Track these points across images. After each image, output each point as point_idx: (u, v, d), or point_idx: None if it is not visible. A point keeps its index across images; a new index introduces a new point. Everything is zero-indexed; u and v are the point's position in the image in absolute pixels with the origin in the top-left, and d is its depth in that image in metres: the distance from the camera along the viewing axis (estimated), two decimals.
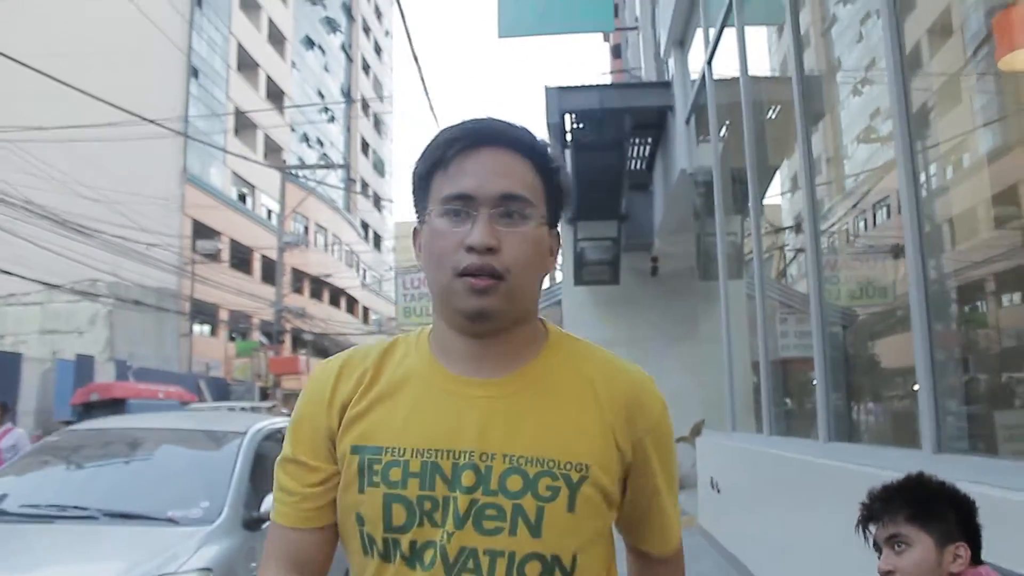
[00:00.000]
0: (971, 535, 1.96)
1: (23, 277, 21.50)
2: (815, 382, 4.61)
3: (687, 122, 9.20)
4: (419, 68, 28.05)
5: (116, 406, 16.69)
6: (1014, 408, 4.41)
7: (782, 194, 10.59)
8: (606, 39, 28.27)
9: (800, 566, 4.79)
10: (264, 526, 4.83)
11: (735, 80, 7.53)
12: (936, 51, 5.16)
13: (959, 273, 5.04)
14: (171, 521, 4.48)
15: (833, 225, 8.10)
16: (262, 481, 5.18)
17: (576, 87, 10.15)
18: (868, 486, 3.54)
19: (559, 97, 9.71)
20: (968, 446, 3.41)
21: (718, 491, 7.48)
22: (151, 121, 19.36)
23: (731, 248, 8.50)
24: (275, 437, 5.89)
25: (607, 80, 16.93)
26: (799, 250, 9.62)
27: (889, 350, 5.91)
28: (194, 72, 33.84)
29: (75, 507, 4.50)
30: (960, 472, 2.98)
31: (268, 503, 4.77)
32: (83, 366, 21.88)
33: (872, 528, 2.09)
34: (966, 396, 4.14)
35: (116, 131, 21.81)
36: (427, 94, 30.74)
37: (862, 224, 8.10)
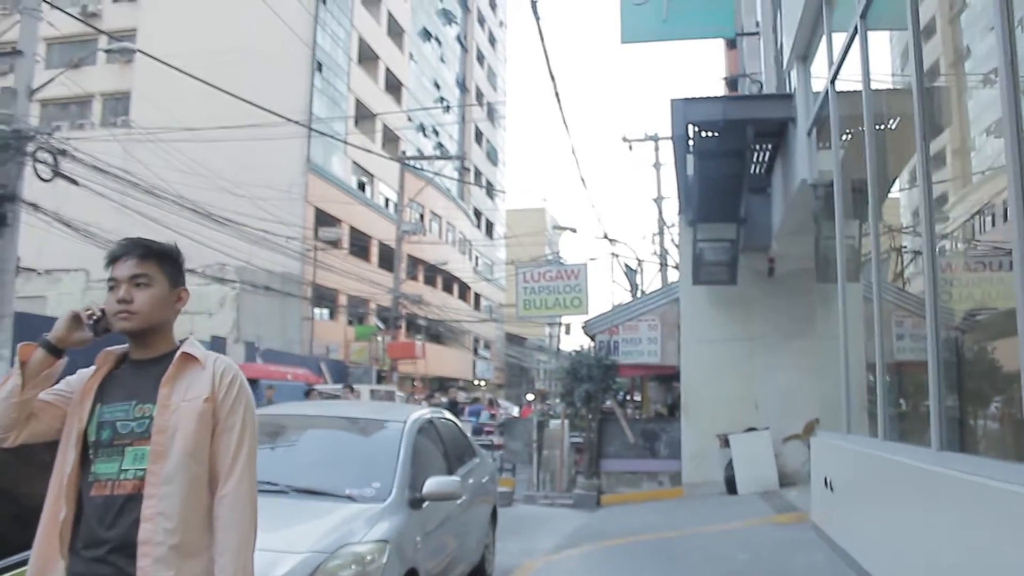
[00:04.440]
0: None
1: None
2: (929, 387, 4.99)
3: (808, 134, 9.51)
4: (546, 54, 28.43)
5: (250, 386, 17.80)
6: None
7: (900, 190, 10.73)
8: None
9: (911, 564, 5.20)
10: (424, 505, 5.53)
11: (857, 93, 7.84)
12: None
13: None
14: (349, 498, 5.20)
15: (950, 228, 8.21)
16: (421, 465, 5.88)
17: (700, 99, 10.55)
18: (979, 497, 3.95)
19: (684, 108, 10.13)
20: None
21: (832, 490, 7.86)
22: (293, 121, 20.43)
23: (849, 252, 8.76)
24: (427, 426, 6.60)
25: (723, 82, 17.19)
26: (917, 252, 9.78)
27: (1007, 356, 6.05)
28: (318, 66, 35.20)
29: (267, 483, 5.20)
30: None
31: (429, 486, 5.47)
32: (216, 347, 23.25)
33: None
34: None
35: (256, 128, 23.08)
36: (553, 81, 31.30)
37: (977, 227, 8.17)
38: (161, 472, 2.45)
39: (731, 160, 10.94)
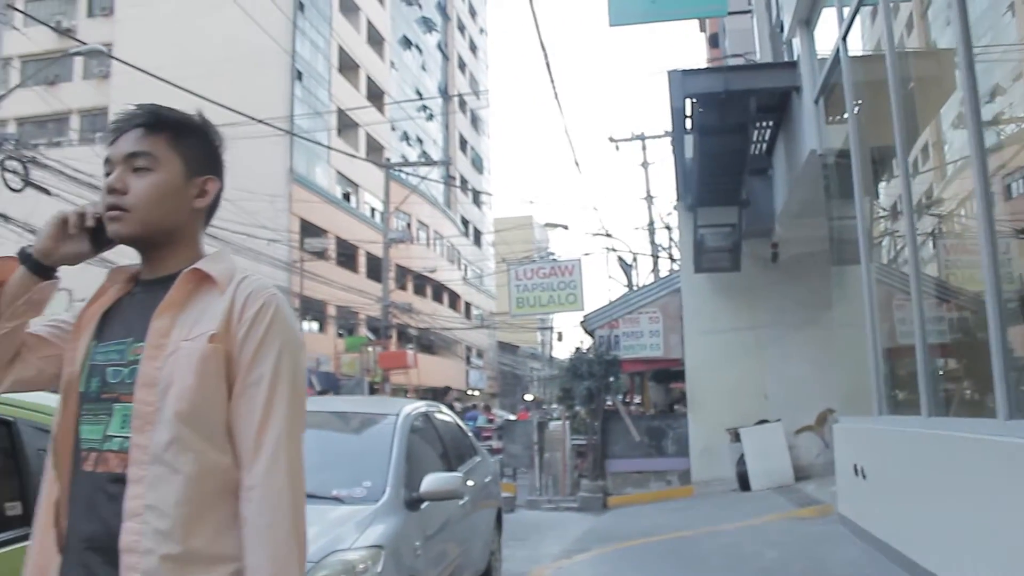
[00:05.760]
0: None
1: None
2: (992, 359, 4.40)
3: (816, 102, 8.95)
4: (545, 55, 28.07)
5: None
6: None
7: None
8: (702, 29, 27.72)
9: (977, 549, 4.61)
10: (423, 506, 4.90)
11: (870, 57, 7.28)
12: None
13: None
14: (337, 500, 4.57)
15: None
16: (417, 461, 5.25)
17: (699, 70, 10.01)
18: None
19: (682, 80, 9.54)
20: None
21: (864, 477, 7.26)
22: (262, 121, 19.81)
23: (868, 230, 8.21)
24: (423, 420, 5.98)
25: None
26: (930, 234, 9.21)
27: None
28: (298, 75, 34.60)
29: None
30: None
31: (427, 483, 4.85)
32: None
33: None
34: None
35: (231, 131, 22.40)
36: (552, 82, 30.79)
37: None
38: (149, 445, 1.60)
39: (733, 136, 10.37)
